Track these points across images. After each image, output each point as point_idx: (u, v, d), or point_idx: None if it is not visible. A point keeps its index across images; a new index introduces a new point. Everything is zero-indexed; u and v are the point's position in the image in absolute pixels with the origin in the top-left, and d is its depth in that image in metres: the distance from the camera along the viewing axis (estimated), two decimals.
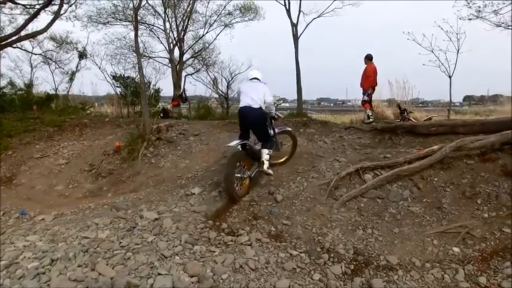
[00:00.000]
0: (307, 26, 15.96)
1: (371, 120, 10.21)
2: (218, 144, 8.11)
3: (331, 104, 50.98)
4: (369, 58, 10.43)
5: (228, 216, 5.07)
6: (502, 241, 4.36)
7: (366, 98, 10.57)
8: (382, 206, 5.19)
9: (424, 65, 12.49)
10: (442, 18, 12.57)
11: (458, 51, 12.06)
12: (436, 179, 5.48)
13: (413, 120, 10.86)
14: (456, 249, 4.35)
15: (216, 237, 4.50)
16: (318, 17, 16.14)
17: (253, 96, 5.96)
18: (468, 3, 10.99)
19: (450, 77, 12.28)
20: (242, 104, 6.04)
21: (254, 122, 6.03)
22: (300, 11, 15.72)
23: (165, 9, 17.46)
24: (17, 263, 3.77)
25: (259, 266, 3.89)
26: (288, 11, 15.70)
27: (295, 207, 5.24)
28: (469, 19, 11.42)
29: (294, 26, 15.63)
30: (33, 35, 12.51)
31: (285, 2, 15.73)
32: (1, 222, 6.04)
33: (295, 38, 15.58)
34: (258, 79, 6.33)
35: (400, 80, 15.22)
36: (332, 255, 4.29)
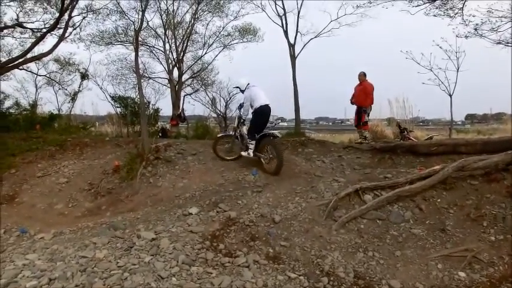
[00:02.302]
0: (304, 46, 16.13)
1: (367, 142, 10.18)
2: (216, 164, 8.07)
3: (330, 123, 51.13)
4: (364, 75, 10.47)
5: (225, 237, 4.96)
6: (511, 266, 4.25)
7: (367, 118, 10.56)
8: (383, 227, 5.09)
9: (423, 83, 12.58)
10: (440, 37, 12.70)
11: (458, 69, 12.14)
12: (439, 200, 5.39)
13: (414, 139, 10.82)
14: (462, 274, 4.23)
15: (213, 258, 4.39)
16: (315, 37, 16.33)
17: (266, 96, 7.81)
18: (464, 21, 11.02)
19: (451, 95, 12.30)
20: (265, 102, 7.72)
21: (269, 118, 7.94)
22: (297, 32, 15.91)
23: (165, 30, 17.71)
24: (15, 282, 3.72)
25: None
26: (286, 32, 15.87)
27: (294, 228, 5.14)
28: (466, 37, 11.47)
29: (292, 46, 15.77)
30: (38, 57, 12.80)
31: (282, 23, 15.92)
32: (2, 240, 6.04)
33: (293, 58, 15.71)
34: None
35: (399, 99, 15.29)
36: (332, 278, 4.18)
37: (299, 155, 8.47)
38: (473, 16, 10.76)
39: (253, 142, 7.67)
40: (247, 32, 18.48)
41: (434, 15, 11.21)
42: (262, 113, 7.73)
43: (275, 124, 13.73)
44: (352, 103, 10.69)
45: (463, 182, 5.63)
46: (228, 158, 8.34)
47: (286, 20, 15.83)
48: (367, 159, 7.98)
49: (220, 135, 9.06)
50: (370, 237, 4.92)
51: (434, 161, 6.90)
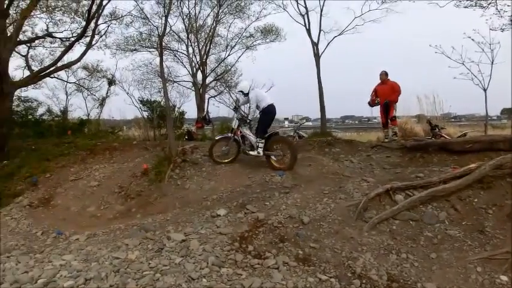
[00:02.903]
0: (328, 44, 15.92)
1: (396, 138, 9.95)
2: (242, 165, 8.05)
3: (356, 122, 50.29)
4: (386, 74, 10.25)
5: (254, 239, 4.93)
6: None
7: (395, 113, 10.33)
8: (417, 229, 4.93)
9: (455, 78, 12.07)
10: (472, 29, 12.18)
11: (492, 62, 11.56)
12: (475, 200, 5.19)
13: (446, 136, 10.43)
14: (504, 278, 4.04)
15: (242, 259, 4.37)
16: (339, 35, 16.09)
17: (270, 97, 8.19)
18: (498, 11, 10.51)
19: (485, 89, 11.76)
20: (271, 101, 8.02)
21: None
22: (320, 30, 15.72)
23: (188, 34, 17.91)
24: (54, 281, 3.83)
25: None
26: (308, 31, 15.71)
27: (323, 229, 5.06)
28: (502, 30, 10.93)
29: (315, 45, 15.59)
30: (68, 65, 13.21)
31: (304, 22, 15.78)
32: (40, 241, 6.22)
33: (317, 56, 15.54)
34: None
35: (429, 95, 14.79)
36: (364, 281, 4.08)
37: (326, 155, 8.34)
38: (508, 6, 10.31)
39: (263, 141, 7.75)
40: (269, 33, 18.45)
41: (465, 7, 10.80)
42: (270, 112, 8.05)
43: (300, 124, 13.62)
44: (371, 105, 10.43)
45: (501, 180, 5.39)
46: (224, 161, 8.29)
47: (308, 18, 15.69)
48: (397, 158, 7.77)
49: (218, 137, 8.87)
50: (403, 239, 4.78)
51: (469, 159, 6.64)
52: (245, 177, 7.24)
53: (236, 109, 8.54)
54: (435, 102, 14.57)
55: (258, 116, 8.13)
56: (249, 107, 8.11)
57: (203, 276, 3.90)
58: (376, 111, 10.66)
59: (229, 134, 8.38)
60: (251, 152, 7.89)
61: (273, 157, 7.76)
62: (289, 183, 6.60)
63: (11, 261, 4.93)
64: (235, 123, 8.30)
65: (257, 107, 8.00)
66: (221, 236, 4.93)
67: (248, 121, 8.19)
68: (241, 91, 8.34)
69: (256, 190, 6.51)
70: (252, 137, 7.98)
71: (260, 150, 7.74)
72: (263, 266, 4.27)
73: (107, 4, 12.23)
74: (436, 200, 5.28)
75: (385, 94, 10.09)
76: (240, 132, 8.15)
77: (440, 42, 11.66)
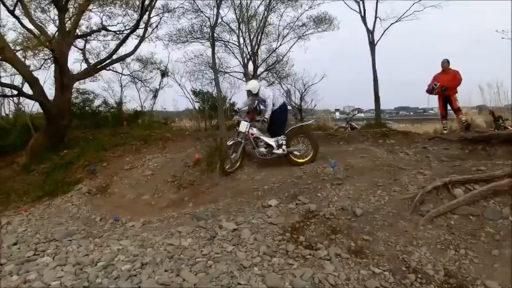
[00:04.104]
0: (384, 32, 15.32)
1: (467, 125, 9.44)
2: None
3: (411, 113, 48.33)
4: (448, 62, 9.76)
5: (305, 229, 4.93)
6: None
7: (458, 104, 9.87)
8: (477, 224, 4.69)
9: None
10: None
11: None
12: None
13: (510, 128, 9.80)
14: None
15: (294, 250, 4.41)
16: (396, 22, 15.39)
17: None
18: None
19: None
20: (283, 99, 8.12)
21: None
22: (376, 17, 15.13)
23: (239, 25, 17.98)
24: (112, 265, 4.05)
25: (339, 282, 3.75)
26: (364, 18, 15.22)
27: (376, 222, 4.96)
28: None
29: (370, 32, 15.07)
30: (123, 58, 13.66)
31: (359, 9, 15.29)
32: (99, 227, 6.63)
33: (372, 45, 15.01)
34: None
35: (493, 84, 13.86)
36: (419, 275, 3.97)
37: (380, 146, 8.10)
38: None
39: (285, 138, 7.58)
40: (322, 22, 18.05)
41: None
42: (286, 109, 8.17)
43: (353, 115, 13.32)
44: (431, 92, 9.97)
45: None
46: (233, 169, 7.70)
47: (364, 5, 15.17)
48: (456, 151, 7.39)
49: (231, 143, 7.70)
50: (461, 234, 4.58)
51: None
52: (296, 168, 7.21)
53: (236, 112, 8.24)
54: (499, 92, 13.65)
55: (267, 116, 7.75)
56: (266, 106, 7.76)
57: (255, 265, 3.99)
58: (433, 102, 10.19)
59: (239, 139, 7.65)
60: (277, 151, 7.52)
61: (295, 152, 7.65)
62: (341, 175, 6.49)
63: (72, 244, 5.31)
64: (246, 126, 7.60)
65: (273, 105, 7.69)
66: (272, 226, 4.98)
67: (263, 121, 7.76)
68: (249, 90, 7.86)
69: (307, 181, 6.48)
70: (266, 137, 7.70)
71: (284, 147, 7.52)
72: (314, 257, 4.28)
73: None
74: (499, 195, 4.99)
75: (447, 83, 9.65)
76: (252, 134, 7.68)
77: (507, 27, 10.78)
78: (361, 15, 15.19)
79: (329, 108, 22.35)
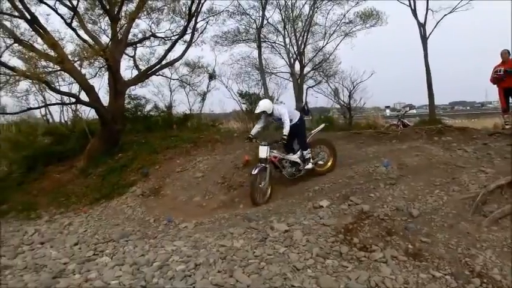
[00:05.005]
0: (436, 24, 14.69)
1: None
2: (344, 156, 7.84)
3: (467, 108, 45.98)
4: (509, 53, 9.12)
5: (359, 231, 4.79)
6: None
7: None
8: None
9: None
10: None
11: None
12: None
13: None
14: None
15: (347, 252, 4.30)
16: (450, 12, 14.72)
17: None
18: None
19: None
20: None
21: None
22: (427, 10, 14.57)
23: (285, 25, 17.95)
24: (167, 265, 4.15)
25: (397, 286, 3.63)
26: (414, 11, 14.68)
27: (435, 223, 4.73)
28: None
29: (422, 26, 14.52)
30: (172, 63, 14.10)
31: (409, 2, 14.78)
32: (153, 228, 6.81)
33: (424, 39, 14.47)
34: None
35: None
36: (485, 280, 3.74)
37: (435, 144, 7.74)
38: None
39: (310, 150, 7.34)
40: (369, 17, 17.63)
41: None
42: (304, 121, 7.70)
43: (405, 112, 12.83)
44: (496, 82, 9.37)
45: None
46: (263, 200, 6.93)
47: None
48: None
49: (256, 171, 6.83)
50: None
51: None
52: (347, 168, 7.06)
53: (252, 138, 7.41)
54: None
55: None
56: (283, 123, 7.06)
57: (308, 267, 3.93)
58: (492, 95, 9.59)
59: (263, 164, 6.95)
60: (307, 167, 7.21)
61: (319, 162, 7.45)
62: (395, 174, 6.27)
63: (129, 244, 5.51)
64: (266, 151, 6.92)
65: (291, 120, 7.17)
66: (324, 227, 4.89)
67: (283, 139, 7.04)
68: (263, 111, 7.19)
69: (359, 181, 6.31)
70: (290, 156, 7.28)
71: (312, 160, 7.27)
72: (370, 259, 4.16)
73: (205, 1, 12.77)
74: None
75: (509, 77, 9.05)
76: (275, 157, 7.14)
77: None
78: (411, 8, 14.69)
79: (379, 106, 21.75)
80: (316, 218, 5.19)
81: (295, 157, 7.24)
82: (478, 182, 5.44)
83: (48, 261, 5.02)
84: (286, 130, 6.96)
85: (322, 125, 8.11)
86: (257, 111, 7.27)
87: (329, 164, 7.39)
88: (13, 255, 5.62)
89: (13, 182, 10.84)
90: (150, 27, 14.50)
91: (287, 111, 7.17)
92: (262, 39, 17.85)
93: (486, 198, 4.88)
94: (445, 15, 14.62)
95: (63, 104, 16.11)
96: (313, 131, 7.82)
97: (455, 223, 4.65)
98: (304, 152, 7.22)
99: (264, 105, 7.20)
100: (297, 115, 7.37)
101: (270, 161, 7.05)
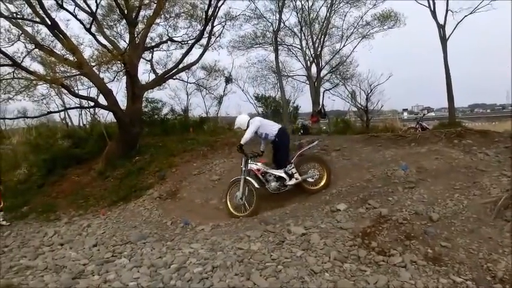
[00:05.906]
0: (457, 25, 14.43)
1: None
2: (361, 159, 7.74)
3: (488, 110, 45.12)
4: None
5: (377, 235, 4.74)
6: None
7: None
8: None
9: None
10: None
11: None
12: None
13: None
14: None
15: (366, 256, 4.27)
16: (471, 13, 14.46)
17: None
18: None
19: None
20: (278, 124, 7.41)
21: None
22: (447, 11, 14.34)
23: (301, 27, 17.94)
24: (185, 267, 4.20)
25: None
26: (433, 12, 14.47)
27: (455, 227, 4.66)
28: None
29: (441, 27, 14.30)
30: (188, 67, 14.18)
31: (429, 3, 14.57)
32: (170, 230, 6.83)
33: (443, 40, 14.24)
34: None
35: None
36: (507, 286, 3.68)
37: (455, 147, 7.58)
38: None
39: (293, 165, 6.99)
40: (387, 19, 17.48)
41: None
42: (287, 134, 7.48)
43: (423, 115, 12.66)
44: None
45: None
46: (240, 213, 6.92)
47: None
48: None
49: (231, 180, 7.33)
50: None
51: None
52: (365, 171, 6.98)
53: (241, 147, 7.14)
54: None
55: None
56: (246, 132, 7.04)
57: (325, 271, 3.93)
58: None
59: (242, 176, 7.05)
60: (290, 182, 6.94)
61: (309, 179, 7.06)
62: (413, 178, 6.17)
63: (146, 247, 5.58)
64: (244, 163, 7.10)
65: (268, 134, 7.13)
66: (342, 230, 4.87)
67: (258, 154, 7.35)
68: (239, 128, 7.40)
69: (377, 185, 6.24)
70: (274, 170, 7.09)
71: (297, 175, 6.95)
72: (388, 264, 4.13)
73: (221, 5, 12.82)
74: None
75: None
76: (258, 170, 7.05)
77: None
78: (430, 9, 14.50)
79: (396, 109, 21.52)
80: (333, 222, 5.17)
81: (280, 171, 7.04)
82: (500, 186, 5.33)
83: (68, 262, 5.12)
84: (244, 138, 7.00)
85: (316, 142, 7.94)
86: (234, 127, 7.50)
87: (322, 182, 7.03)
88: (34, 256, 5.76)
89: (33, 184, 11.01)
90: (167, 31, 14.65)
91: (258, 125, 7.08)
92: (279, 42, 17.88)
93: (508, 202, 4.77)
94: (466, 16, 14.40)
95: (82, 107, 16.41)
96: (304, 148, 7.64)
97: (476, 228, 4.56)
98: (287, 167, 7.00)
99: (238, 121, 7.42)
100: (274, 131, 7.11)
101: (252, 173, 7.07)
